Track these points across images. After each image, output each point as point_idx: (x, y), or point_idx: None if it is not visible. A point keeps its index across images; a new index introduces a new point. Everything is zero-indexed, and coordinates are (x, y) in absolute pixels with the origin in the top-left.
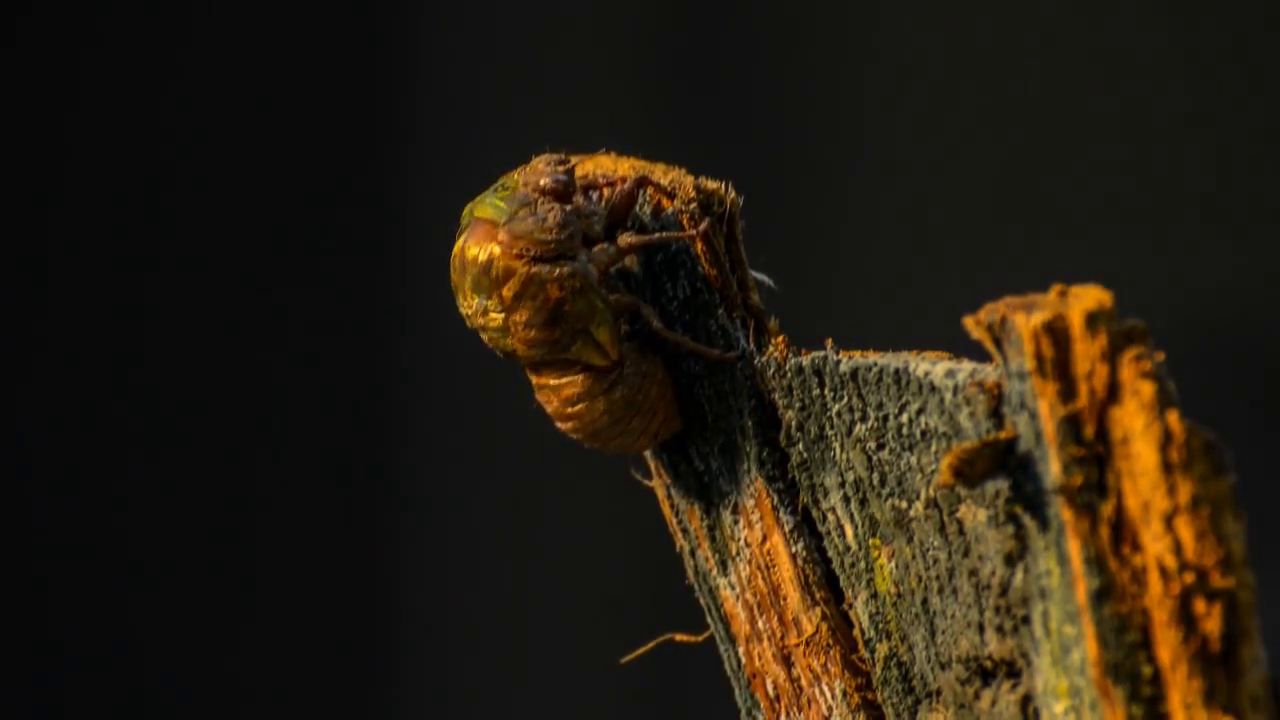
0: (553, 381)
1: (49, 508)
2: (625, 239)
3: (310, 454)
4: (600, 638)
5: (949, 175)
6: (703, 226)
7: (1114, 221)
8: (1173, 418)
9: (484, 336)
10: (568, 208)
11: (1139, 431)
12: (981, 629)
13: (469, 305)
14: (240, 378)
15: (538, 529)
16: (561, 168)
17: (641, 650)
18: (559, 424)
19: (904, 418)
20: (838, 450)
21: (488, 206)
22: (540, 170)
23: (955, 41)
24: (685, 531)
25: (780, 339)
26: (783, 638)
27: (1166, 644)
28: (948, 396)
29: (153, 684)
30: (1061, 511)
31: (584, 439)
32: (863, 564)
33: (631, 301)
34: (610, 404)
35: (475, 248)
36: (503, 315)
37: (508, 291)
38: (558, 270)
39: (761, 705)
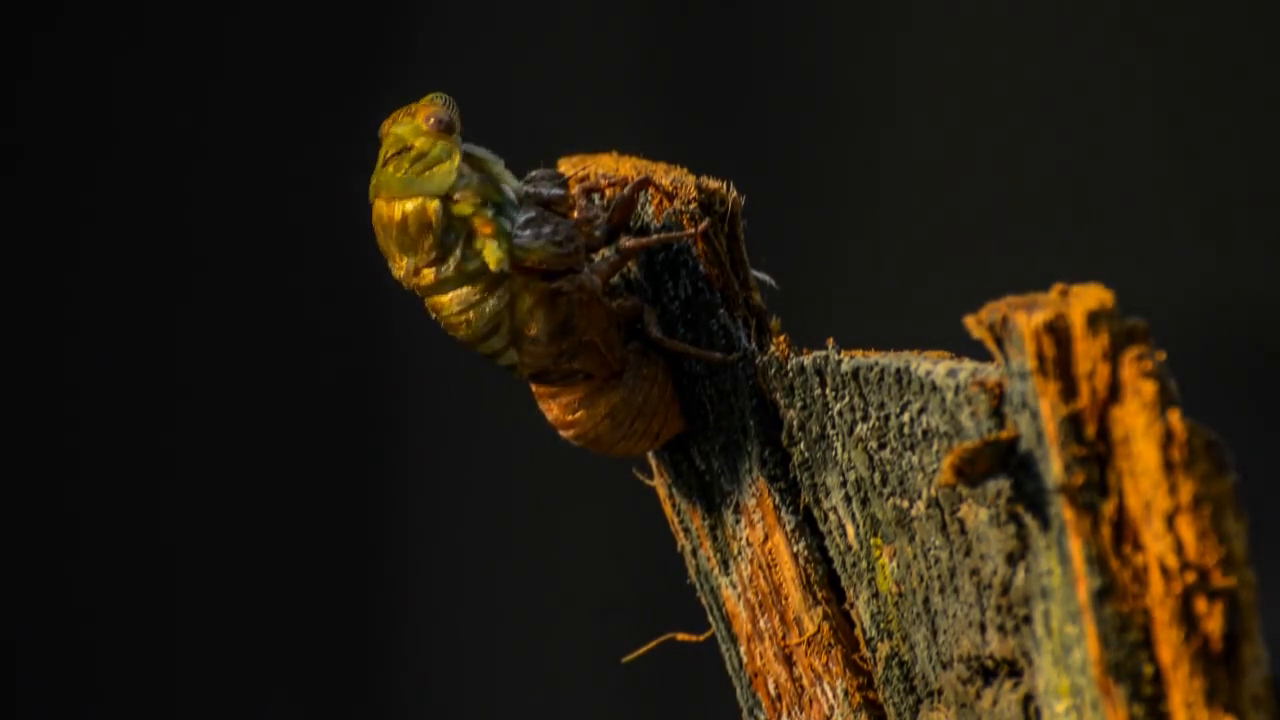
0: (554, 390)
1: (51, 509)
2: (626, 243)
3: (312, 453)
4: (602, 637)
5: (950, 175)
6: (703, 226)
7: (1114, 221)
8: (1174, 417)
9: (424, 300)
10: (570, 219)
11: (1140, 431)
12: (983, 628)
13: (400, 267)
14: (241, 377)
15: (538, 528)
16: (558, 180)
17: (643, 649)
18: (561, 432)
19: (905, 417)
20: (839, 450)
21: (392, 184)
22: (537, 180)
23: (956, 42)
24: (687, 531)
25: (782, 338)
26: (784, 637)
27: (1168, 643)
28: (949, 396)
29: (154, 682)
30: (1063, 511)
31: (586, 445)
32: (864, 563)
33: (634, 305)
34: (611, 409)
35: (388, 208)
36: (433, 270)
37: (525, 304)
38: (564, 284)
39: (763, 704)
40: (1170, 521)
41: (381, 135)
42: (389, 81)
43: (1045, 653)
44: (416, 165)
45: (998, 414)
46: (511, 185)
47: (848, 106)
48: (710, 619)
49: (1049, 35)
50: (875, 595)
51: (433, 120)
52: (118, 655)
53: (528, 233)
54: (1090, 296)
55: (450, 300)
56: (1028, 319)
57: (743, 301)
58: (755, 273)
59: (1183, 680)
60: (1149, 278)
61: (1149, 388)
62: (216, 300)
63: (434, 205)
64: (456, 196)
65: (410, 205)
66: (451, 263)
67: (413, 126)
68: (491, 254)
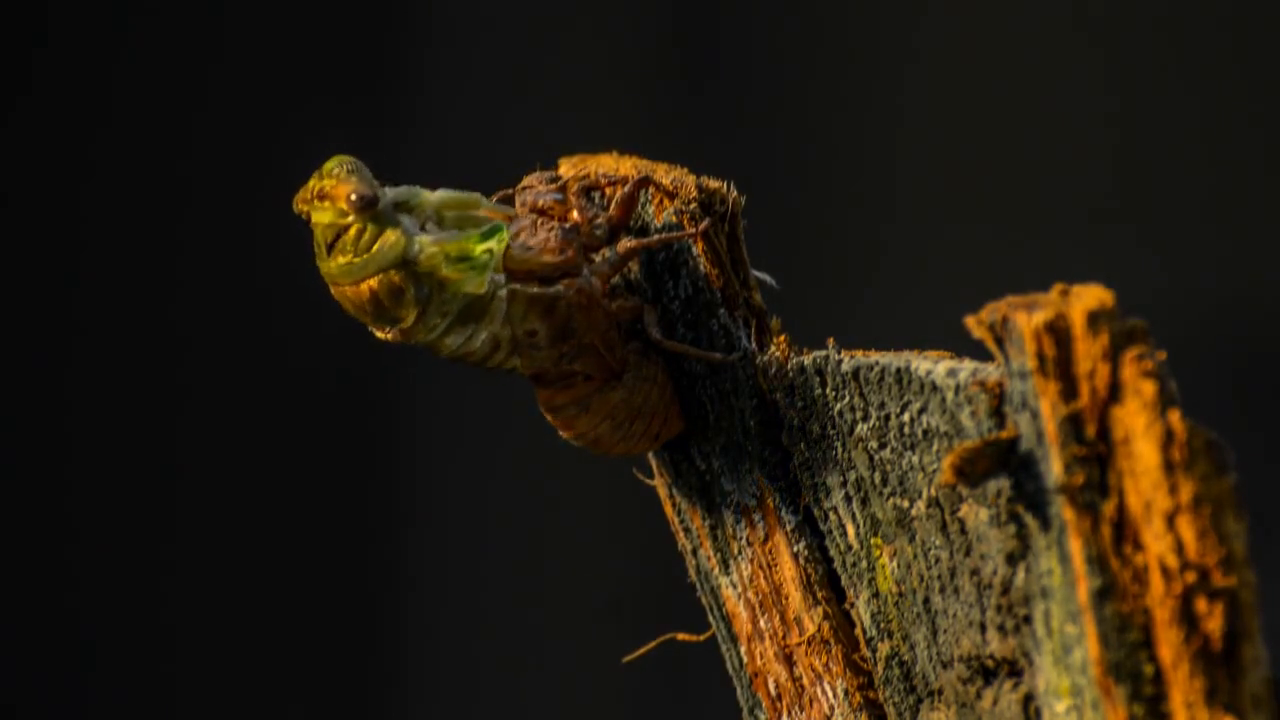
0: (554, 391)
1: (58, 513)
2: (625, 244)
3: (313, 454)
4: (602, 637)
5: (950, 175)
6: (703, 225)
7: (1114, 221)
8: (1174, 417)
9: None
10: (565, 225)
11: (1141, 431)
12: (983, 628)
13: (387, 333)
14: (243, 377)
15: (539, 528)
16: (554, 185)
17: (644, 649)
18: (561, 433)
19: (906, 417)
20: (839, 450)
21: (348, 270)
22: (534, 189)
23: (955, 41)
24: (687, 530)
25: (782, 338)
26: (785, 637)
27: (1168, 643)
28: (949, 396)
29: (157, 683)
30: (1063, 511)
31: (586, 445)
32: (864, 563)
33: (635, 306)
34: (612, 410)
35: (352, 290)
36: (422, 325)
37: (521, 309)
38: (561, 288)
39: (763, 704)
40: (1170, 521)
41: (300, 214)
42: (393, 83)
43: (1045, 653)
44: (361, 243)
45: (998, 414)
46: (436, 203)
47: (848, 106)
48: (710, 619)
49: (1049, 35)
50: (875, 595)
51: (354, 198)
52: (120, 656)
53: (519, 242)
54: (1090, 296)
55: (450, 342)
56: (1028, 319)
57: (743, 301)
58: (755, 273)
59: (1183, 680)
60: (1149, 278)
61: (1149, 388)
62: (219, 301)
63: (395, 274)
64: (415, 261)
65: (374, 281)
66: (435, 312)
67: (336, 210)
68: (474, 286)
